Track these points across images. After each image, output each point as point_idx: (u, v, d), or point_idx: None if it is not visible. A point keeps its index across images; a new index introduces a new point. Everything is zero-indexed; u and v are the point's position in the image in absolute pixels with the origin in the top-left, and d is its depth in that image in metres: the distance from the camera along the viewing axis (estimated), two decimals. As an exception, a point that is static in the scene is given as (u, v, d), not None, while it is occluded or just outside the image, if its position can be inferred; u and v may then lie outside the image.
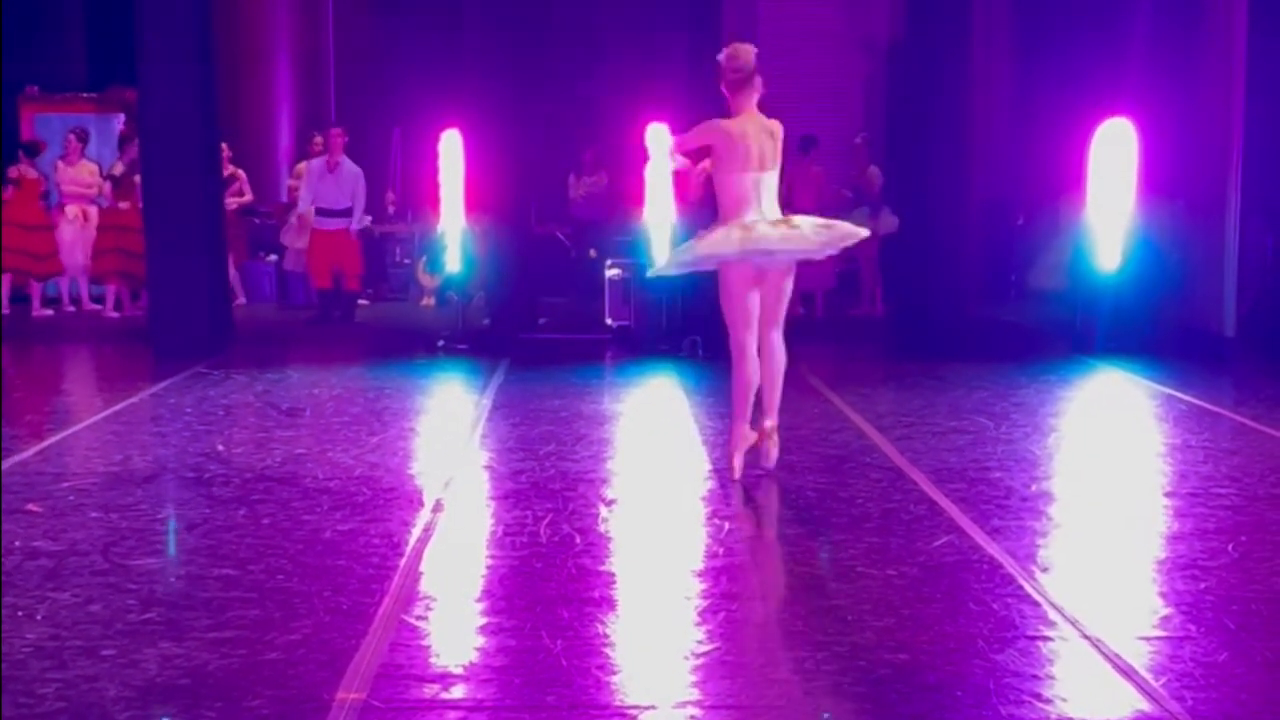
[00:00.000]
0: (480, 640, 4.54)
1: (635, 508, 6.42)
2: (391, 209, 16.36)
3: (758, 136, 6.63)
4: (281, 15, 17.33)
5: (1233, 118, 11.14)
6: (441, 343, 11.91)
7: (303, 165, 14.51)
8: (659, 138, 11.76)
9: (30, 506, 6.23)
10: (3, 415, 8.26)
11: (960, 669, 4.23)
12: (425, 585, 5.13)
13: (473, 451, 7.63)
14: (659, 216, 11.92)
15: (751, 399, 6.76)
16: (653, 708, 3.95)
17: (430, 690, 4.07)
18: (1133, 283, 11.20)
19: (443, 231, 12.67)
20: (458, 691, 4.07)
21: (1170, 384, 9.61)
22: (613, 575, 5.31)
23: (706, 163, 6.85)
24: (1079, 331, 11.52)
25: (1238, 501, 6.38)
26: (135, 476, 6.87)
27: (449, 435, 8.26)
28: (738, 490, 6.59)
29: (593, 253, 14.61)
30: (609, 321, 12.30)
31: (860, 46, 17.35)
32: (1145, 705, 3.96)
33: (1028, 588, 5.03)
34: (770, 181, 6.67)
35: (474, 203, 12.44)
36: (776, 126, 6.71)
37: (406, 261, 16.04)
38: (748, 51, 6.70)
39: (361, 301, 15.16)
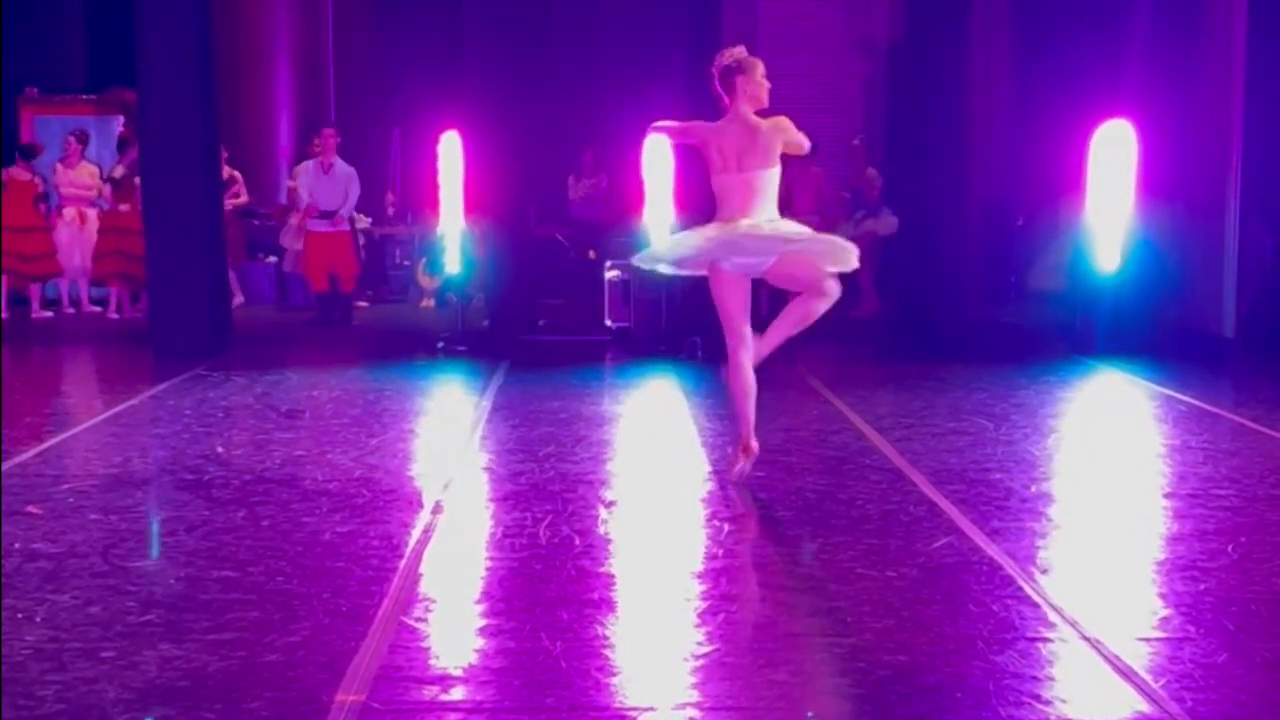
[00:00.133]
0: (480, 642, 4.54)
1: (635, 509, 6.42)
2: (391, 210, 16.37)
3: (739, 137, 6.51)
4: (281, 17, 17.33)
5: (1232, 119, 11.15)
6: (441, 344, 11.91)
7: (301, 167, 14.52)
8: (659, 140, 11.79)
9: (30, 508, 6.23)
10: (2, 417, 8.25)
11: (960, 670, 4.23)
12: (425, 587, 5.13)
13: (472, 453, 7.63)
14: (658, 218, 11.92)
15: (746, 409, 6.71)
16: (652, 709, 3.95)
17: (430, 692, 4.07)
18: (1132, 284, 11.20)
19: (442, 233, 12.67)
20: (457, 693, 4.07)
21: (1170, 385, 9.61)
22: (612, 577, 5.31)
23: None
24: (1078, 332, 11.53)
25: (1237, 503, 6.38)
26: (135, 478, 6.87)
27: (448, 437, 8.26)
28: (737, 492, 6.58)
29: (592, 254, 14.61)
30: (609, 323, 12.30)
31: (860, 48, 17.35)
32: (1145, 706, 3.96)
33: (1027, 589, 5.03)
34: (753, 182, 6.49)
35: (473, 204, 12.45)
36: (767, 125, 6.52)
37: (406, 263, 16.05)
38: (730, 52, 6.64)
39: (361, 304, 15.18)
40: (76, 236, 14.65)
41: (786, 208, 6.94)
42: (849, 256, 6.56)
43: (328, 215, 13.70)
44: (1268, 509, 6.29)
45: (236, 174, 15.09)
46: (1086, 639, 4.49)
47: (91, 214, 14.72)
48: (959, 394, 9.36)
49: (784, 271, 6.56)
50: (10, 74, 15.87)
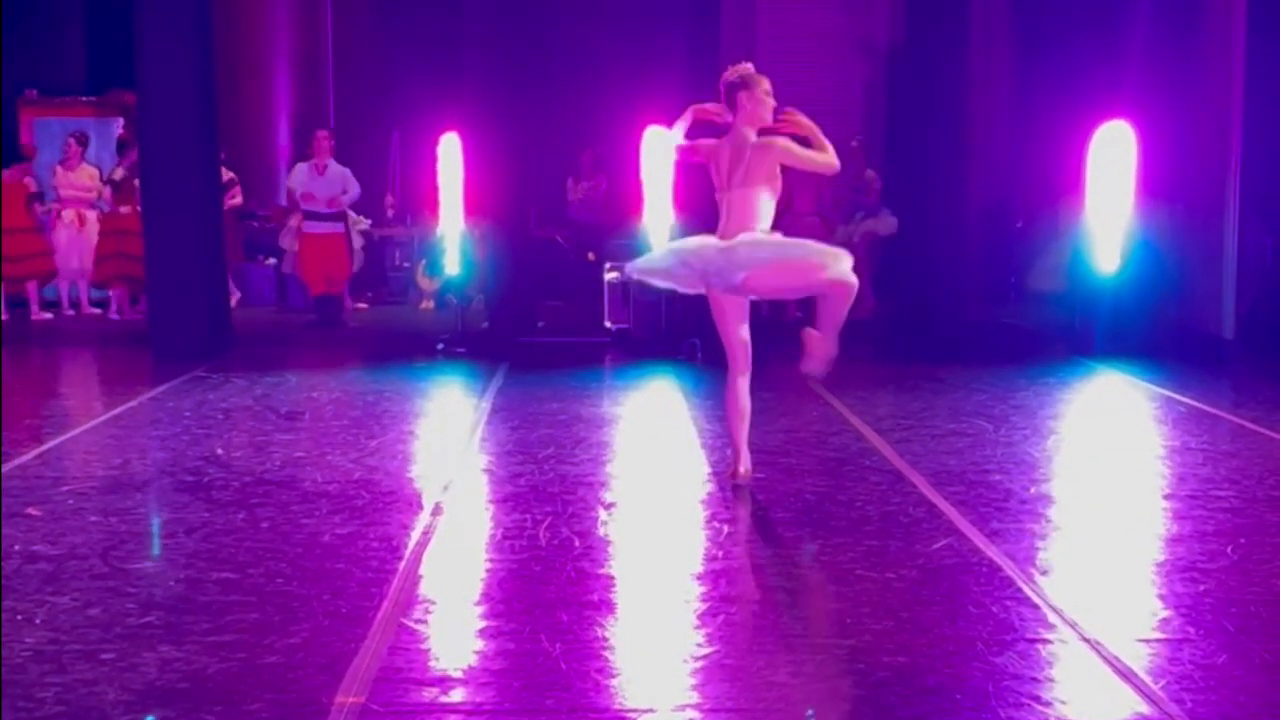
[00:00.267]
0: (479, 644, 4.54)
1: (634, 511, 6.42)
2: (390, 212, 16.36)
3: (731, 154, 6.47)
4: (280, 19, 17.33)
5: (1231, 120, 11.15)
6: (440, 346, 11.92)
7: (295, 169, 14.52)
8: (660, 140, 11.78)
9: (29, 510, 6.23)
10: (2, 419, 8.25)
11: (959, 672, 4.23)
12: (424, 589, 5.13)
13: (472, 455, 7.63)
14: (657, 220, 11.92)
15: (738, 433, 6.67)
16: (651, 711, 3.95)
17: (429, 694, 4.07)
18: (1132, 285, 11.20)
19: (441, 235, 12.67)
20: (457, 695, 4.07)
21: (1169, 386, 9.61)
22: (612, 578, 5.31)
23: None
24: (1078, 334, 11.53)
25: (1237, 504, 6.38)
26: (134, 480, 6.88)
27: (448, 439, 8.26)
28: (737, 494, 6.58)
29: (591, 256, 14.61)
30: (608, 324, 12.30)
31: (859, 49, 17.35)
32: (1144, 708, 3.96)
33: (1027, 590, 5.03)
34: (740, 200, 6.43)
35: (473, 206, 12.45)
36: (756, 144, 6.43)
37: (405, 265, 16.04)
38: (735, 68, 6.57)
39: (360, 305, 15.18)
40: (76, 238, 14.65)
41: (787, 209, 6.93)
42: (832, 259, 6.40)
43: (320, 218, 13.71)
44: (1267, 510, 6.29)
45: (233, 175, 15.09)
46: (1086, 640, 4.49)
47: (91, 216, 14.72)
48: (958, 395, 9.37)
49: (772, 285, 6.51)
50: (10, 76, 15.87)
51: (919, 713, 3.94)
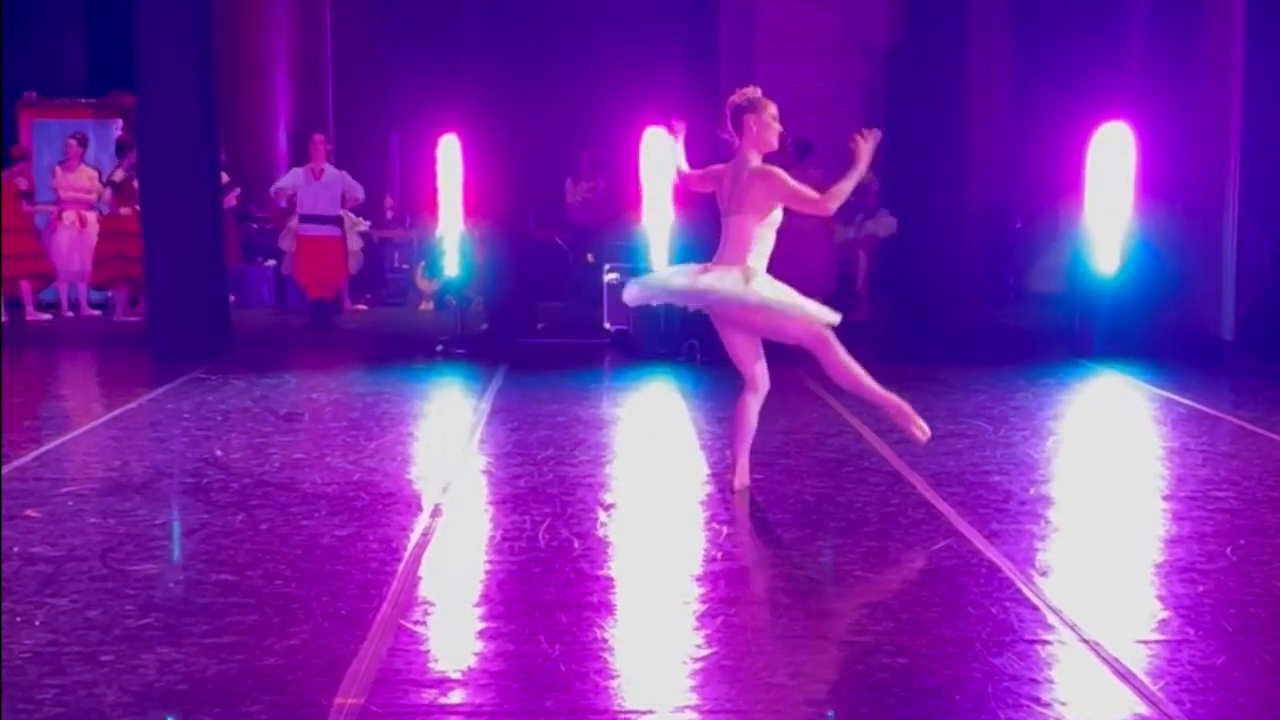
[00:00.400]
0: (478, 645, 4.54)
1: (634, 512, 6.42)
2: (390, 214, 16.38)
3: (732, 179, 6.42)
4: (280, 21, 17.34)
5: (1230, 121, 11.16)
6: (440, 347, 11.92)
7: (291, 174, 14.52)
8: (660, 144, 11.78)
9: (29, 512, 6.23)
10: (2, 420, 8.25)
11: (959, 673, 4.23)
12: (423, 590, 5.13)
13: (471, 456, 7.63)
14: (657, 221, 11.93)
15: (738, 448, 6.65)
16: (651, 712, 3.95)
17: (429, 695, 4.07)
18: (1131, 286, 11.21)
19: (441, 236, 12.68)
20: (456, 697, 4.07)
21: (1168, 387, 9.61)
22: (611, 580, 5.31)
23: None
24: (1077, 335, 11.53)
25: (1236, 505, 6.38)
26: (133, 482, 6.87)
27: (447, 440, 8.26)
28: (736, 495, 6.58)
29: (590, 257, 14.63)
30: (607, 326, 12.31)
31: (858, 51, 17.37)
32: (1144, 709, 3.96)
33: (1026, 591, 5.03)
34: (731, 226, 6.38)
35: (472, 208, 12.47)
36: (750, 171, 6.35)
37: (405, 266, 16.06)
38: (743, 91, 6.49)
39: (360, 306, 15.20)
40: (76, 240, 14.65)
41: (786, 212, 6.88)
42: (803, 313, 6.31)
43: (316, 221, 13.76)
44: (1266, 511, 6.29)
45: (228, 178, 15.09)
46: (1085, 641, 4.49)
47: (91, 217, 14.72)
48: (958, 396, 9.37)
49: (743, 325, 6.46)
50: (9, 77, 15.88)
51: (918, 714, 3.94)
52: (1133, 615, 4.82)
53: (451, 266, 12.60)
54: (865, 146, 6.40)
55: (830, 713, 3.95)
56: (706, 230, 10.36)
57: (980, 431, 8.17)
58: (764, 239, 6.39)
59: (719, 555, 5.61)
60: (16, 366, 11.29)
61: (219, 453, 7.61)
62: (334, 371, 10.90)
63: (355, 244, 15.33)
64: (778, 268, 6.46)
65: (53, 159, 15.09)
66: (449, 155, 12.44)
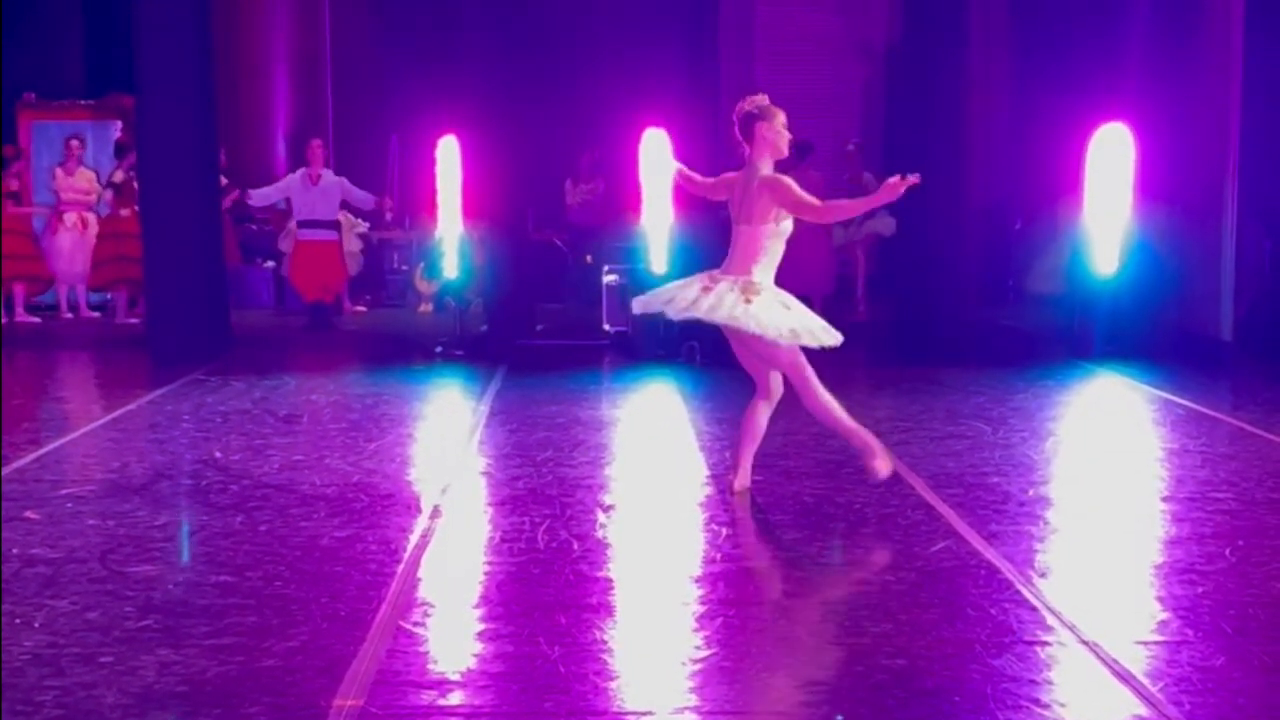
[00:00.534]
0: (478, 647, 4.54)
1: (633, 514, 6.42)
2: (389, 216, 16.37)
3: (743, 188, 6.37)
4: (279, 23, 17.34)
5: (1229, 122, 11.16)
6: (439, 349, 11.92)
7: (288, 178, 14.51)
8: (659, 146, 11.79)
9: (28, 514, 6.23)
10: (1, 422, 8.25)
11: (958, 674, 4.24)
12: (423, 592, 5.13)
13: (470, 458, 7.63)
14: (656, 222, 11.92)
15: (741, 452, 6.65)
16: (650, 713, 3.95)
17: (428, 697, 4.07)
18: (1130, 287, 11.21)
19: (440, 238, 12.68)
20: (455, 698, 4.07)
21: (1167, 388, 9.61)
22: (610, 581, 5.31)
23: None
24: (1076, 336, 11.53)
25: (1235, 506, 6.38)
26: (133, 484, 6.87)
27: (446, 442, 8.26)
28: (735, 496, 6.58)
29: (588, 258, 14.62)
30: (606, 327, 12.31)
31: (857, 52, 17.37)
32: (1143, 710, 3.96)
33: (1025, 593, 5.04)
34: (749, 236, 6.32)
35: (471, 209, 12.46)
36: (760, 181, 6.31)
37: (404, 268, 16.05)
38: (752, 99, 6.42)
39: (359, 308, 15.20)
40: (79, 242, 14.63)
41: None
42: (780, 339, 6.24)
43: (314, 226, 13.80)
44: (1266, 512, 6.29)
45: (225, 180, 15.09)
46: (1085, 643, 4.49)
47: (91, 219, 14.70)
48: (957, 397, 9.37)
49: (749, 346, 6.40)
50: (8, 79, 15.87)
51: (917, 715, 3.94)
52: (1132, 616, 4.83)
53: (451, 268, 12.59)
54: (897, 188, 6.17)
55: (838, 716, 3.94)
56: (706, 233, 10.39)
57: (979, 433, 8.17)
58: (773, 250, 6.35)
59: (718, 557, 5.61)
60: (15, 368, 11.29)
61: (218, 454, 7.61)
62: (333, 373, 10.90)
63: (354, 245, 15.33)
64: (777, 271, 6.45)
65: (51, 160, 15.08)
66: (448, 157, 12.44)
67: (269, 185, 14.60)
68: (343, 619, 4.74)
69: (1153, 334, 11.24)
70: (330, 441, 8.01)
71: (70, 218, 14.63)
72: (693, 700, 4.07)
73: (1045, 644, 4.51)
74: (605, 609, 4.93)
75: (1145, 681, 4.15)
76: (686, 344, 11.16)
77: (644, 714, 3.95)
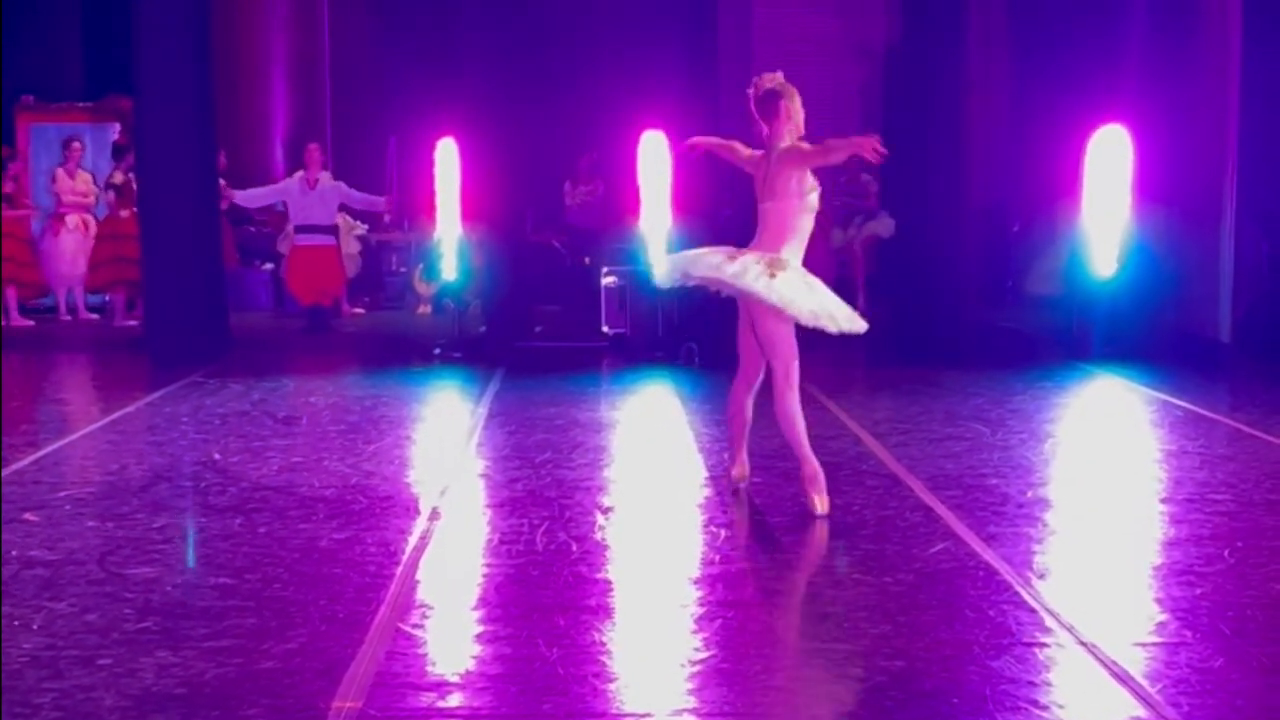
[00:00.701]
0: (477, 648, 4.54)
1: (632, 515, 6.42)
2: (387, 217, 16.37)
3: (765, 167, 6.27)
4: (277, 25, 17.34)
5: (1228, 124, 11.17)
6: (437, 351, 11.92)
7: (285, 182, 14.50)
8: (656, 146, 11.80)
9: (27, 515, 6.22)
10: (1, 424, 8.26)
11: (957, 676, 4.24)
12: (422, 594, 5.13)
13: (469, 460, 7.63)
14: (655, 224, 11.93)
15: (732, 433, 6.63)
16: (649, 715, 3.95)
17: (427, 699, 4.07)
18: (1128, 289, 11.21)
19: (439, 240, 12.68)
20: (454, 700, 4.07)
21: (1166, 390, 9.62)
22: (609, 583, 5.31)
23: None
24: (1075, 337, 11.53)
25: (1233, 507, 6.38)
26: (132, 486, 6.87)
27: (445, 443, 8.26)
28: (734, 498, 6.58)
29: (587, 260, 14.62)
30: (605, 329, 12.30)
31: (856, 53, 17.37)
32: (1141, 711, 3.96)
33: (1024, 594, 5.04)
34: (774, 213, 6.22)
35: (470, 211, 12.46)
36: (781, 151, 6.20)
37: (402, 270, 16.05)
38: (770, 76, 6.31)
39: (357, 310, 15.20)
40: (82, 244, 14.62)
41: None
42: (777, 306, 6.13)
43: (311, 230, 13.80)
44: (1264, 513, 6.29)
45: (223, 182, 15.09)
46: (1083, 644, 4.49)
47: (91, 221, 14.70)
48: (955, 399, 9.37)
49: (756, 324, 6.28)
50: (7, 81, 15.88)
51: (916, 716, 3.94)
52: (1130, 618, 4.83)
53: (449, 270, 12.59)
54: (865, 142, 6.04)
55: None
56: (705, 235, 10.38)
57: (978, 434, 8.17)
58: (803, 228, 6.24)
59: (717, 558, 5.61)
60: (14, 371, 11.28)
61: (217, 456, 7.61)
62: (332, 375, 10.90)
63: (353, 247, 15.35)
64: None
65: (50, 163, 15.07)
66: (447, 158, 12.44)
67: (264, 186, 14.61)
68: (341, 621, 4.74)
69: (1151, 335, 11.25)
70: (329, 443, 8.00)
71: (73, 220, 14.63)
72: (691, 702, 4.07)
73: (1044, 645, 4.51)
74: (604, 611, 4.93)
75: (1144, 683, 4.15)
76: (685, 346, 11.17)
77: (642, 716, 3.95)
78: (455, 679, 4.24)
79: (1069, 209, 11.71)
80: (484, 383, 10.28)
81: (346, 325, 14.32)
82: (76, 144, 14.72)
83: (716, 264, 6.19)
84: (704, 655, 4.43)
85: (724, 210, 13.34)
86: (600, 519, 6.25)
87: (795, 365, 6.26)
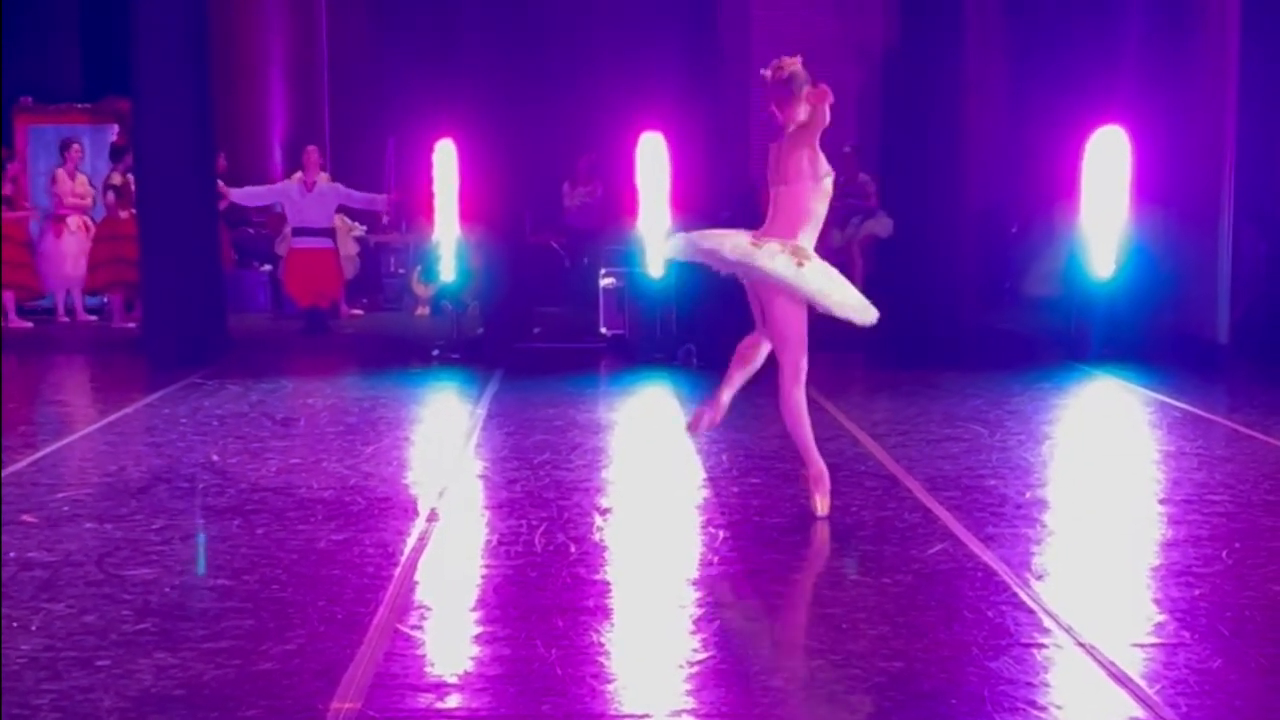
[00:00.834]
0: (475, 649, 4.54)
1: (630, 516, 6.42)
2: (385, 219, 16.37)
3: (776, 151, 6.16)
4: (275, 26, 17.34)
5: (1225, 125, 11.17)
6: (436, 352, 11.92)
7: (283, 185, 14.49)
8: (655, 147, 11.79)
9: (25, 517, 6.22)
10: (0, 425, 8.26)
11: (955, 677, 4.24)
12: (420, 595, 5.13)
13: (467, 461, 7.63)
14: (653, 225, 11.92)
15: (734, 368, 6.37)
16: (647, 716, 3.95)
17: (425, 700, 4.07)
18: (1126, 290, 11.22)
19: (437, 241, 12.68)
20: (453, 701, 4.07)
21: (1164, 391, 9.62)
22: (607, 584, 5.31)
23: None
24: (1073, 339, 11.54)
25: (1231, 508, 6.39)
26: (130, 487, 6.87)
27: (443, 445, 8.25)
28: (732, 499, 6.58)
29: (586, 262, 14.62)
30: (603, 330, 12.31)
31: (854, 54, 17.36)
32: (1140, 712, 3.96)
33: (1022, 595, 5.04)
34: (788, 195, 6.07)
35: (468, 212, 12.46)
36: (790, 134, 6.07)
37: (401, 271, 16.05)
38: (789, 61, 6.10)
39: (356, 311, 15.19)
40: (82, 245, 14.61)
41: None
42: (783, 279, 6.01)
43: (309, 233, 13.82)
44: (1262, 514, 6.30)
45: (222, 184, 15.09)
46: (1081, 645, 4.49)
47: (90, 223, 14.69)
48: (954, 400, 9.37)
49: (770, 314, 6.15)
50: (5, 83, 15.88)
51: (914, 717, 3.94)
52: (1129, 619, 4.83)
53: (448, 271, 12.59)
54: (826, 95, 5.89)
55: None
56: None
57: (976, 435, 8.17)
58: (817, 213, 6.09)
59: (715, 559, 5.61)
60: (12, 372, 11.27)
61: (215, 458, 7.61)
62: (330, 376, 10.90)
63: (351, 249, 15.35)
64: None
65: (48, 164, 15.07)
66: (445, 160, 12.44)
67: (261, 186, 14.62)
68: (340, 622, 4.74)
69: (1149, 337, 11.25)
70: (327, 445, 8.00)
71: (74, 221, 14.62)
72: (690, 703, 4.07)
73: (1042, 646, 4.51)
74: (602, 612, 4.93)
75: (1142, 684, 4.15)
76: (683, 347, 11.17)
77: (641, 716, 3.95)
78: (454, 680, 4.24)
79: (1067, 210, 11.72)
80: (482, 384, 10.28)
81: (345, 327, 14.32)
82: (77, 146, 14.71)
83: (745, 249, 6.04)
84: (703, 656, 4.43)
85: (724, 211, 13.33)
86: (599, 520, 6.25)
87: (804, 359, 6.16)
